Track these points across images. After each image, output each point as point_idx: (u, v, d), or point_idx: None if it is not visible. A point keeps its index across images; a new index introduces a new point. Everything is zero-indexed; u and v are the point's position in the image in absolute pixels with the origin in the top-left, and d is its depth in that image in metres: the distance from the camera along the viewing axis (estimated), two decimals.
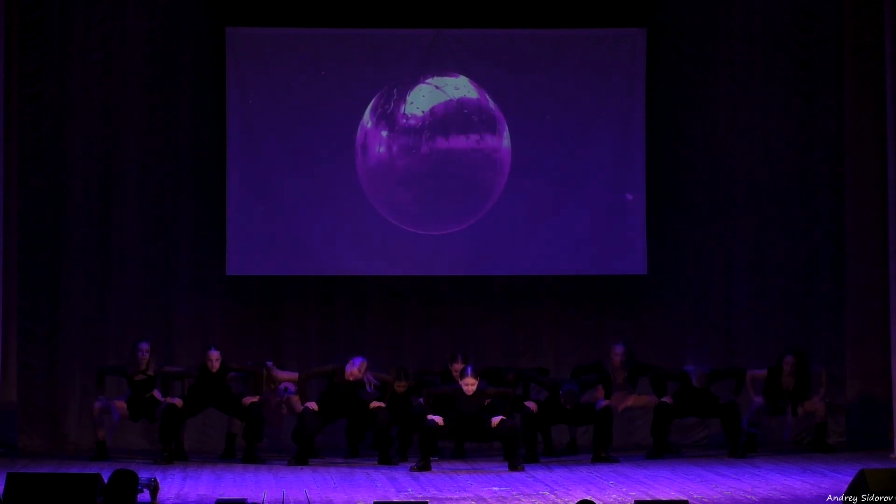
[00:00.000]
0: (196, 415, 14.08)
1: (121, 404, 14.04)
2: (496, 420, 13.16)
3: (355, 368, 13.77)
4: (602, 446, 13.79)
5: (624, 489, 11.67)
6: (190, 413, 13.90)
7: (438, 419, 13.14)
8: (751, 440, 14.22)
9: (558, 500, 11.03)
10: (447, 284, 15.42)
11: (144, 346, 13.98)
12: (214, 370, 13.86)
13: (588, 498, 8.95)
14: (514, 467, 13.06)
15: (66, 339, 15.04)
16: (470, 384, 13.24)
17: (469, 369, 13.33)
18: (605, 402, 13.93)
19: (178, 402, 13.77)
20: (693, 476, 12.60)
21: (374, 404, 13.71)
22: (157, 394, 14.02)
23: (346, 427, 14.38)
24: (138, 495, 9.16)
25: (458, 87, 15.38)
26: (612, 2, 15.51)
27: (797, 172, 15.50)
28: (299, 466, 13.44)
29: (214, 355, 13.87)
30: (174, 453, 13.77)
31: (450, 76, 15.37)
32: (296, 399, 14.20)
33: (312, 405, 13.69)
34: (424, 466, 13.04)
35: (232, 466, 13.49)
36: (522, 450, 13.44)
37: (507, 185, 15.36)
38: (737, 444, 14.07)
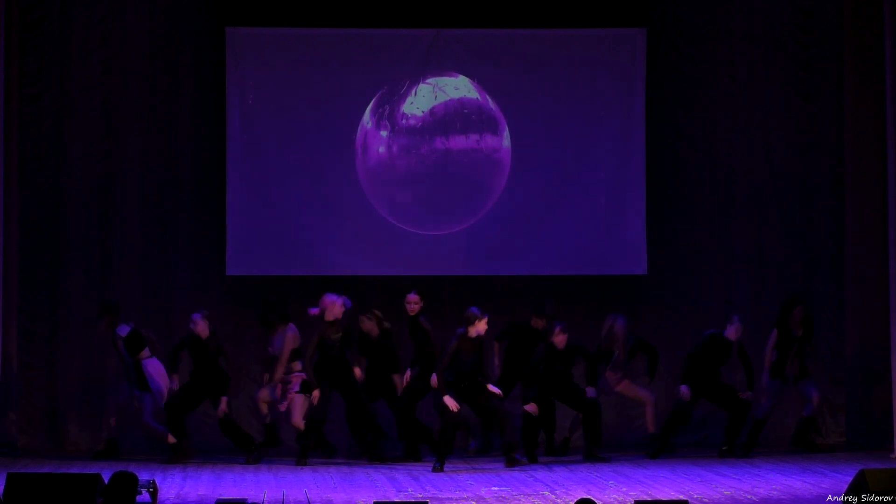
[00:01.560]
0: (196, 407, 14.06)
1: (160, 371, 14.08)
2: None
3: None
4: (594, 443, 13.75)
5: (624, 489, 11.68)
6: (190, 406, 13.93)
7: (453, 404, 13.11)
8: (754, 435, 14.20)
9: (558, 500, 11.04)
10: (447, 284, 15.42)
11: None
12: (205, 336, 13.82)
13: (588, 497, 8.93)
14: (511, 461, 13.13)
15: (66, 339, 15.04)
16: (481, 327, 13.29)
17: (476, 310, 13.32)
18: (592, 392, 13.91)
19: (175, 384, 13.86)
20: (693, 476, 12.60)
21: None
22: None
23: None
24: (138, 497, 9.16)
25: (458, 87, 15.39)
26: (612, 2, 15.51)
27: (797, 172, 15.51)
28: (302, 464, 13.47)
29: (198, 318, 13.83)
30: (184, 450, 13.83)
31: (450, 76, 15.37)
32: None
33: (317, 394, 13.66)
34: (440, 467, 13.07)
35: (232, 466, 13.49)
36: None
37: (507, 185, 15.36)
38: (733, 443, 14.07)
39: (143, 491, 10.24)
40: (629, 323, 14.55)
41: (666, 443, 14.20)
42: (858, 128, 15.08)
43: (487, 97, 15.38)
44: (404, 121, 15.30)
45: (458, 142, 15.32)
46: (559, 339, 13.78)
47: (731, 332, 14.16)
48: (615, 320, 14.48)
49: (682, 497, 10.93)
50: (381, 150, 15.34)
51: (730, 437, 14.14)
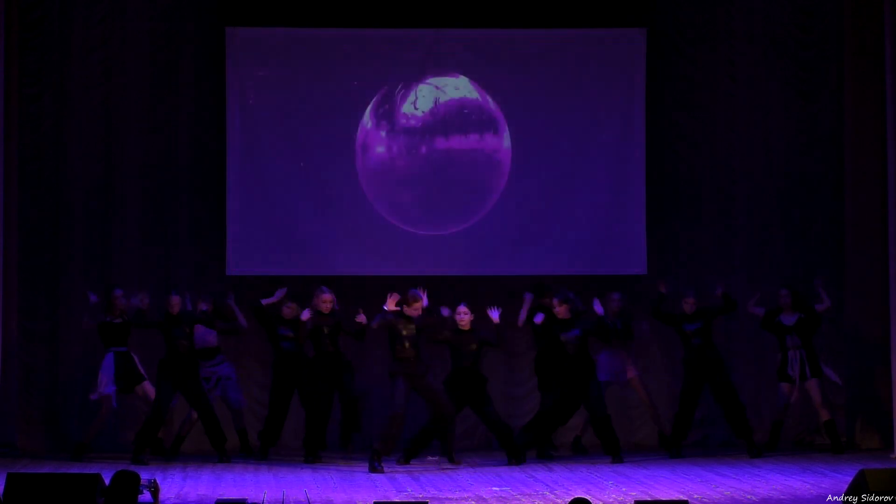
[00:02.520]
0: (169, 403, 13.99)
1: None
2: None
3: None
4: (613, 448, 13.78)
5: (624, 489, 11.67)
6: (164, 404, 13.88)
7: (392, 301, 13.25)
8: (774, 435, 14.25)
9: (558, 501, 11.04)
10: (447, 284, 15.41)
11: (119, 293, 14.12)
12: (175, 312, 13.88)
13: (585, 497, 8.94)
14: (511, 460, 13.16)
15: (66, 339, 15.04)
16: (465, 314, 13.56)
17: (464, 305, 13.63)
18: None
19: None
20: (693, 476, 12.60)
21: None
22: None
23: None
24: (139, 496, 9.17)
25: (458, 87, 15.39)
26: (612, 2, 15.52)
27: (797, 172, 15.51)
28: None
29: (175, 300, 13.92)
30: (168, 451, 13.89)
31: (450, 76, 15.38)
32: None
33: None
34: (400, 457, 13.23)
35: (232, 466, 13.49)
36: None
37: (507, 185, 15.37)
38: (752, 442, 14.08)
39: (145, 490, 10.24)
40: (623, 296, 14.67)
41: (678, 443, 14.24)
42: (858, 128, 15.07)
43: (487, 97, 15.38)
44: (404, 121, 15.31)
45: (458, 142, 15.32)
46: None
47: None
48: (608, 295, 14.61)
49: (682, 497, 10.93)
50: (381, 150, 15.34)
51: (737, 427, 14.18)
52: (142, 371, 14.16)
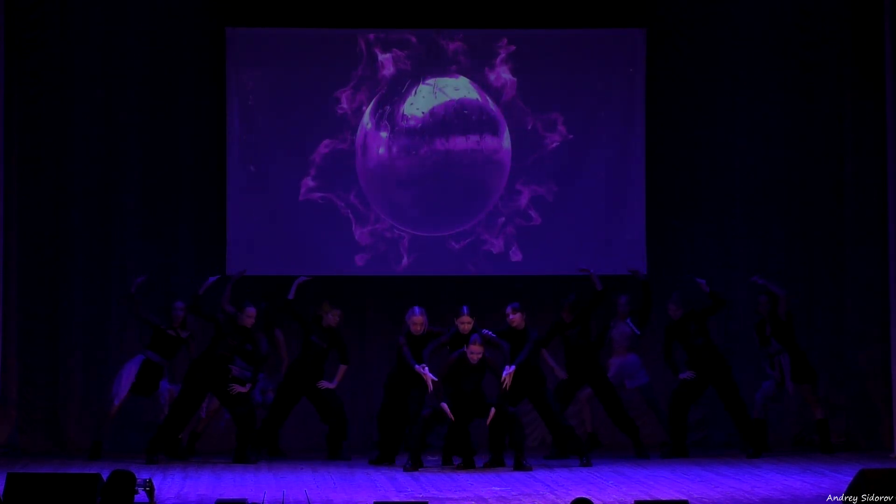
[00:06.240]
0: (198, 406, 13.97)
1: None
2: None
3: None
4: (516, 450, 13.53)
5: (624, 489, 11.68)
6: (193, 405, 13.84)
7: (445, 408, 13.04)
8: (760, 432, 14.21)
9: (558, 501, 11.03)
10: (447, 284, 15.42)
11: (179, 305, 14.07)
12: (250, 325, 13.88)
13: (585, 497, 8.92)
14: (519, 466, 13.04)
15: (66, 339, 15.04)
16: (476, 352, 13.05)
17: (477, 336, 13.12)
18: (509, 371, 13.37)
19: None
20: (693, 476, 12.61)
21: None
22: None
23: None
24: (135, 496, 9.16)
25: (458, 88, 15.39)
26: (612, 2, 15.52)
27: (797, 172, 15.51)
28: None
29: (251, 312, 13.91)
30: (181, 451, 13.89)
31: (450, 76, 15.38)
32: None
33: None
34: (416, 464, 13.07)
35: (232, 466, 13.49)
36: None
37: (507, 185, 15.37)
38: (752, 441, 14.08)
39: (140, 490, 10.23)
40: (630, 297, 14.71)
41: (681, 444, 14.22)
42: (858, 128, 15.08)
43: (487, 98, 15.38)
44: (404, 122, 15.31)
45: (458, 142, 15.32)
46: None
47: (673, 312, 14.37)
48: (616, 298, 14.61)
49: (682, 497, 10.93)
50: (381, 150, 15.34)
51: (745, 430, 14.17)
52: (165, 380, 14.14)
